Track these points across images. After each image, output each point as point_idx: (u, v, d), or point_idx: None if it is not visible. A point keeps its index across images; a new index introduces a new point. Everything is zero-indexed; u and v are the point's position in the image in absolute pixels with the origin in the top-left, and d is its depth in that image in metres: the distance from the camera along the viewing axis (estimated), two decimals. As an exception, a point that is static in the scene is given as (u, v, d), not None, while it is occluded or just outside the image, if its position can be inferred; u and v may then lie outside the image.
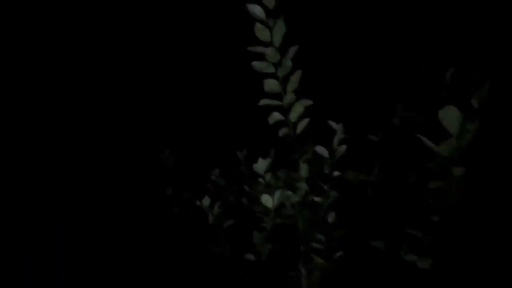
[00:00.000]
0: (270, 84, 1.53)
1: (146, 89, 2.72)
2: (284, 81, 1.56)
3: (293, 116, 1.54)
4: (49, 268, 2.41)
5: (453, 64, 1.63)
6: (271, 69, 1.57)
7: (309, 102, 1.57)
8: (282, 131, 1.56)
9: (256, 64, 1.56)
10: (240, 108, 2.61)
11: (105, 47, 2.49)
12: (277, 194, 1.47)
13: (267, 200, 1.45)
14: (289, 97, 1.52)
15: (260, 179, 1.81)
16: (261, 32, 1.54)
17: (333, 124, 1.63)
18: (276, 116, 1.54)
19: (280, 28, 1.53)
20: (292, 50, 1.56)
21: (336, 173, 1.60)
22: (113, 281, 2.42)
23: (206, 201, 1.67)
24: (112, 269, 2.44)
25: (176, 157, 2.76)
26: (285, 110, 1.58)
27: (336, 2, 1.98)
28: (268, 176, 1.78)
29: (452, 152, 1.11)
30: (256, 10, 1.52)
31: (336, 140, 1.60)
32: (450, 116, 1.09)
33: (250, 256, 1.53)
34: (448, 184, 1.19)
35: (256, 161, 1.84)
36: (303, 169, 1.56)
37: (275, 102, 1.57)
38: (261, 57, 1.58)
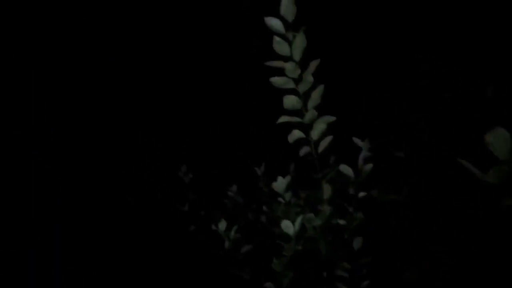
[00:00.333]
0: (290, 101, 1.44)
1: (163, 101, 2.67)
2: (305, 97, 1.48)
3: (315, 134, 1.45)
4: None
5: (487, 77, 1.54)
6: (291, 85, 1.49)
7: (331, 118, 1.48)
8: (303, 150, 1.48)
9: (275, 79, 1.48)
10: (258, 123, 2.54)
11: (120, 52, 2.44)
12: (298, 220, 1.38)
13: (288, 227, 1.36)
14: (310, 114, 1.44)
15: (280, 199, 1.74)
16: (280, 46, 1.46)
17: (357, 141, 1.55)
18: (296, 134, 1.46)
19: (300, 42, 1.45)
20: (313, 64, 1.48)
21: (361, 194, 1.50)
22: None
23: (222, 225, 1.59)
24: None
25: (194, 173, 2.71)
26: (306, 128, 1.50)
27: (357, 15, 1.90)
28: (288, 196, 1.71)
29: (502, 179, 0.99)
30: (275, 23, 1.44)
31: (361, 158, 1.51)
32: (499, 139, 0.97)
33: (270, 285, 1.44)
34: (495, 213, 1.08)
35: (274, 177, 1.77)
36: (326, 190, 1.47)
37: (295, 119, 1.49)
38: (280, 72, 1.50)
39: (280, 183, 1.72)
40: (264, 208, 1.84)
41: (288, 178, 1.73)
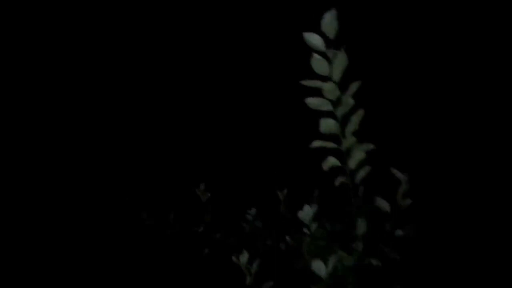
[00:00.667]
0: (327, 124, 1.31)
1: (184, 115, 2.56)
2: (343, 121, 1.35)
3: (353, 162, 1.31)
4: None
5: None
6: (328, 107, 1.36)
7: (370, 146, 1.34)
8: (339, 180, 1.34)
9: (311, 101, 1.35)
10: (283, 145, 2.42)
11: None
12: (331, 261, 1.23)
13: (320, 268, 1.21)
14: (349, 141, 1.30)
15: (305, 230, 1.60)
16: (319, 64, 1.33)
17: (397, 173, 1.40)
18: (331, 161, 1.32)
19: (341, 61, 1.33)
20: (354, 86, 1.35)
21: (399, 232, 1.36)
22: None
23: (243, 257, 1.45)
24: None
25: (212, 192, 2.59)
26: (342, 155, 1.36)
27: (402, 32, 1.77)
28: (314, 227, 1.57)
29: None
30: (315, 39, 1.32)
31: (400, 192, 1.37)
32: None
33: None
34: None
35: (297, 203, 1.65)
36: (361, 226, 1.33)
37: (330, 145, 1.36)
38: (316, 92, 1.38)
39: (306, 213, 1.59)
40: (288, 239, 1.70)
41: (315, 207, 1.60)
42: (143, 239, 2.56)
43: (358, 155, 1.30)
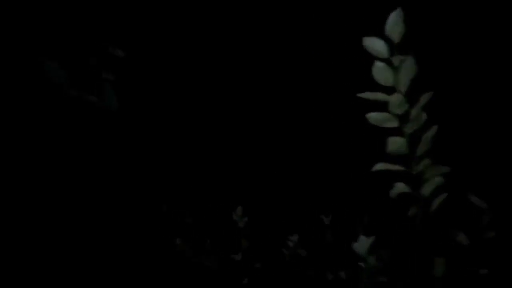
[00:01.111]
0: (396, 144, 1.11)
1: (220, 130, 2.40)
2: (413, 140, 1.14)
3: (427, 189, 1.10)
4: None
5: None
6: (394, 123, 1.16)
7: (447, 169, 1.14)
8: (412, 211, 1.13)
9: (373, 116, 1.16)
10: (328, 163, 2.22)
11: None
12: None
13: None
14: (423, 163, 1.10)
15: (361, 263, 1.41)
16: (382, 73, 1.14)
17: (476, 200, 1.19)
18: (401, 187, 1.12)
19: (409, 68, 1.13)
20: (425, 97, 1.15)
21: (483, 271, 1.14)
22: None
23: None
24: None
25: (249, 217, 2.43)
26: (412, 179, 1.16)
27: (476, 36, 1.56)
28: (372, 260, 1.38)
29: None
30: (377, 45, 1.13)
31: (483, 224, 1.15)
32: None
33: None
34: None
35: (342, 229, 1.47)
36: (439, 266, 1.12)
37: (397, 168, 1.15)
38: (373, 105, 1.19)
39: (362, 244, 1.40)
40: (342, 275, 1.50)
41: (372, 238, 1.41)
42: (177, 267, 2.40)
43: (434, 181, 1.10)
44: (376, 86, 1.21)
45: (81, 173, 2.07)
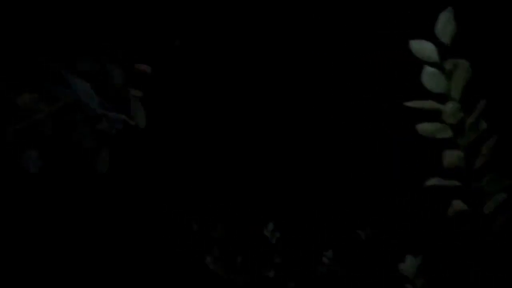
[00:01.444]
0: (452, 157, 1.01)
1: (252, 142, 2.32)
2: (469, 152, 1.04)
3: (490, 206, 1.00)
4: None
5: None
6: (447, 134, 1.06)
7: (510, 182, 1.03)
8: (470, 229, 1.03)
9: (424, 127, 1.06)
10: (365, 175, 2.12)
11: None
12: None
13: None
14: (486, 179, 0.99)
15: (408, 286, 1.31)
16: (433, 79, 1.05)
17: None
18: (459, 206, 1.02)
19: (463, 74, 1.03)
20: (480, 106, 1.05)
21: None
22: None
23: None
24: None
25: (282, 232, 2.35)
26: (468, 194, 1.06)
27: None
28: (420, 283, 1.28)
29: None
30: (427, 48, 1.03)
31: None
32: None
33: None
34: None
35: (380, 244, 1.38)
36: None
37: (453, 183, 1.05)
38: (421, 114, 1.09)
39: (409, 265, 1.30)
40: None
41: (420, 258, 1.32)
42: (208, 285, 2.33)
43: (496, 196, 0.99)
44: (420, 93, 1.12)
45: (110, 190, 2.01)
